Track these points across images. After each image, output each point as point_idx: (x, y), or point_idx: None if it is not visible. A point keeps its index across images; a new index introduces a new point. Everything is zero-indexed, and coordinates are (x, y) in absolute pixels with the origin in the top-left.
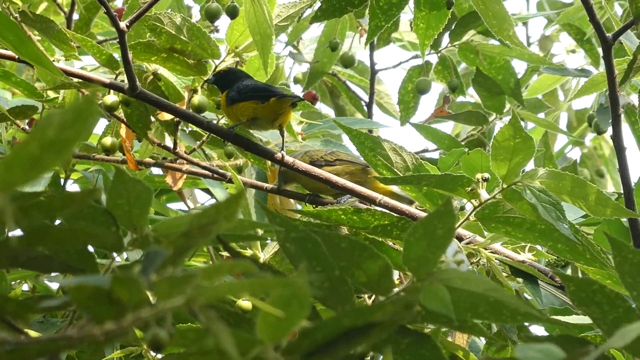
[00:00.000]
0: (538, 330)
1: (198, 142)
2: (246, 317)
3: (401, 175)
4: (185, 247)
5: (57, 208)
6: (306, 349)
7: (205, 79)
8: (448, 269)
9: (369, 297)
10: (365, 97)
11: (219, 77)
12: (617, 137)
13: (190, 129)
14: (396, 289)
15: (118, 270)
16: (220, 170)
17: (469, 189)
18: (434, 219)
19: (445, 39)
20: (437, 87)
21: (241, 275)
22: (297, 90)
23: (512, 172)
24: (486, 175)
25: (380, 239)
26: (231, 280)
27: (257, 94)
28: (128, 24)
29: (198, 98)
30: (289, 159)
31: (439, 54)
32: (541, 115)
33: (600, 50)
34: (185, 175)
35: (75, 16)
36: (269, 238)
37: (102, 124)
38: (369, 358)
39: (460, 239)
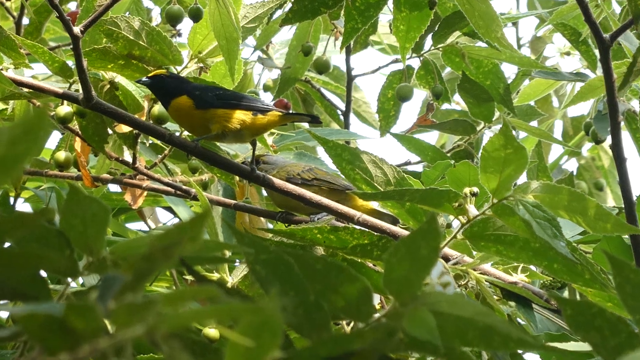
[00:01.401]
0: (533, 358)
1: (159, 156)
2: (213, 347)
3: (382, 190)
4: (145, 271)
5: (7, 230)
6: None
7: (138, 79)
8: (433, 292)
9: (347, 324)
10: (342, 106)
11: (157, 80)
12: (616, 147)
13: (150, 141)
14: (377, 315)
15: (73, 297)
16: (184, 187)
17: (456, 204)
18: (418, 238)
19: (428, 41)
20: (420, 94)
21: (207, 301)
22: (268, 98)
23: (503, 185)
24: (475, 189)
25: (359, 260)
26: (196, 306)
27: (250, 104)
28: (82, 29)
29: (158, 108)
30: (259, 174)
31: (421, 58)
32: (534, 123)
33: (597, 52)
34: (145, 193)
35: (25, 20)
36: (237, 260)
37: (55, 137)
38: None
39: (446, 259)
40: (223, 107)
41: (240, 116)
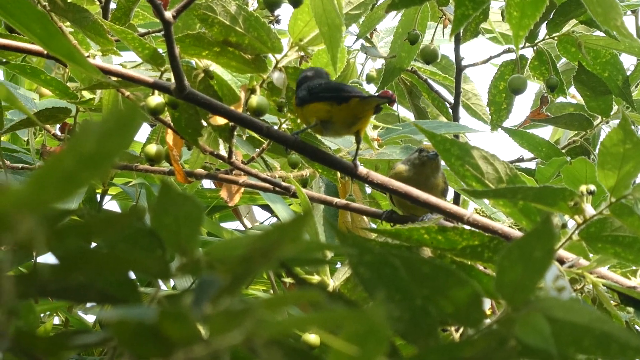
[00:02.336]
0: None
1: (257, 150)
2: (313, 355)
3: (493, 187)
4: (243, 274)
5: (95, 231)
6: None
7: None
8: (548, 297)
9: (456, 330)
10: (450, 98)
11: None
12: None
13: (248, 134)
14: (488, 321)
15: (165, 301)
16: (283, 183)
17: (572, 203)
18: (532, 239)
19: (543, 30)
20: (534, 86)
21: (308, 306)
22: (371, 89)
23: (622, 183)
24: (592, 187)
25: (469, 262)
26: (296, 311)
27: (333, 94)
28: (174, 14)
29: (256, 99)
30: (362, 170)
31: (535, 48)
32: None
33: None
34: (242, 189)
35: (113, 5)
36: (339, 262)
37: (145, 129)
38: None
39: (561, 261)
40: (312, 101)
41: (326, 107)
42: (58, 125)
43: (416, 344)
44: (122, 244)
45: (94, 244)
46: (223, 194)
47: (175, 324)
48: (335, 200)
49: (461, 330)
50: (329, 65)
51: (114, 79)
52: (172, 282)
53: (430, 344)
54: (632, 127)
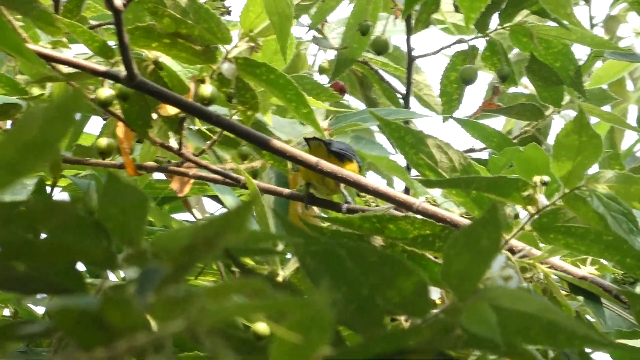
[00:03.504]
0: (603, 357)
1: (208, 142)
2: (260, 345)
3: (447, 176)
4: (188, 263)
5: (39, 219)
6: None
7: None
8: (494, 286)
9: (406, 321)
10: (402, 89)
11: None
12: None
13: (198, 128)
14: (435, 310)
15: (111, 291)
16: (233, 174)
17: (526, 193)
18: (478, 228)
19: (495, 20)
20: (485, 77)
21: (254, 295)
22: (324, 80)
23: (576, 174)
24: (546, 178)
25: (420, 252)
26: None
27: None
28: (125, 2)
29: (206, 89)
30: (311, 158)
31: (487, 38)
32: (606, 108)
33: None
34: (192, 181)
35: None
36: (290, 252)
37: (98, 123)
38: None
39: (513, 251)
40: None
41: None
42: (10, 122)
43: (362, 333)
44: (69, 234)
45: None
46: (173, 185)
47: (118, 311)
48: (285, 190)
49: (410, 320)
50: (277, 53)
51: (64, 71)
52: (122, 274)
53: (376, 333)
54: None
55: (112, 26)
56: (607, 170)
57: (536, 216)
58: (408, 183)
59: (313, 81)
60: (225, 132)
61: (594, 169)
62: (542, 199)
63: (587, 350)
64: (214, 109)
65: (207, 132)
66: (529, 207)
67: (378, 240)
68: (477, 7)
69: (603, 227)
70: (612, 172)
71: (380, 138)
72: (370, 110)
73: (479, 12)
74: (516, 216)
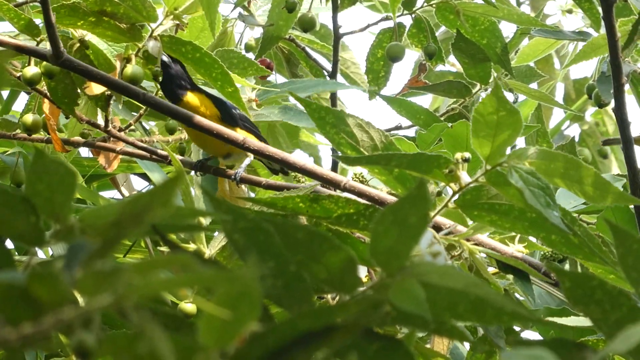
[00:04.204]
0: (532, 334)
1: (135, 115)
2: (188, 322)
3: (368, 154)
4: (114, 238)
5: None
6: (257, 355)
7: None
8: (422, 263)
9: (333, 299)
10: (328, 66)
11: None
12: (620, 110)
13: (125, 100)
14: (363, 287)
15: (38, 267)
16: (160, 151)
17: (447, 170)
18: (405, 205)
19: None
20: (412, 54)
21: (181, 270)
22: (250, 57)
23: (497, 151)
24: (467, 154)
25: (344, 231)
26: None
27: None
28: None
29: (132, 68)
30: (237, 135)
31: (413, 15)
32: (533, 85)
33: (600, 9)
34: (120, 156)
35: None
36: (216, 230)
37: (23, 99)
38: None
39: (439, 228)
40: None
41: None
42: None
43: (290, 310)
44: None
45: None
46: (101, 160)
47: (44, 286)
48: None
49: (337, 297)
50: (204, 31)
51: None
52: (50, 252)
53: (304, 309)
54: (511, 95)
55: (37, 4)
56: (530, 147)
57: (459, 193)
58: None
59: (240, 55)
60: None
61: (521, 145)
62: (465, 176)
63: (516, 328)
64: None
65: (135, 102)
66: (452, 185)
67: (302, 220)
68: None
69: (524, 204)
70: (534, 148)
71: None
72: (290, 91)
73: None
74: (439, 193)
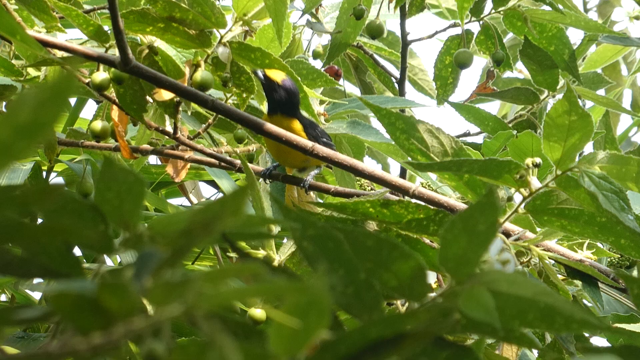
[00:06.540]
0: (600, 341)
1: (203, 125)
2: (258, 329)
3: (438, 160)
4: (184, 247)
5: (35, 202)
6: None
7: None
8: (492, 270)
9: (402, 305)
10: (396, 73)
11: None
12: None
13: (193, 110)
14: (432, 294)
15: (108, 276)
16: (228, 158)
17: (518, 176)
18: (475, 212)
19: (489, 4)
20: (480, 61)
21: (251, 279)
22: (318, 65)
23: (568, 155)
24: (537, 160)
25: (414, 236)
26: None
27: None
28: None
29: (201, 74)
30: (306, 142)
31: (481, 22)
32: (601, 92)
33: None
34: (188, 165)
35: None
36: (285, 237)
37: (92, 107)
38: None
39: (507, 235)
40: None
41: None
42: (4, 103)
43: (360, 317)
44: (65, 218)
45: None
46: (169, 169)
47: (114, 296)
48: (282, 174)
49: (407, 304)
50: (274, 41)
51: (59, 55)
52: (119, 259)
53: (374, 317)
54: (579, 101)
55: (106, 10)
56: (600, 151)
57: (529, 198)
58: (405, 165)
59: (309, 66)
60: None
61: (588, 151)
62: (535, 181)
63: (585, 333)
64: (210, 92)
65: (204, 113)
66: (522, 190)
67: (372, 225)
68: None
69: (595, 208)
70: (604, 152)
71: (376, 123)
72: (361, 98)
73: (473, 2)
74: (509, 199)
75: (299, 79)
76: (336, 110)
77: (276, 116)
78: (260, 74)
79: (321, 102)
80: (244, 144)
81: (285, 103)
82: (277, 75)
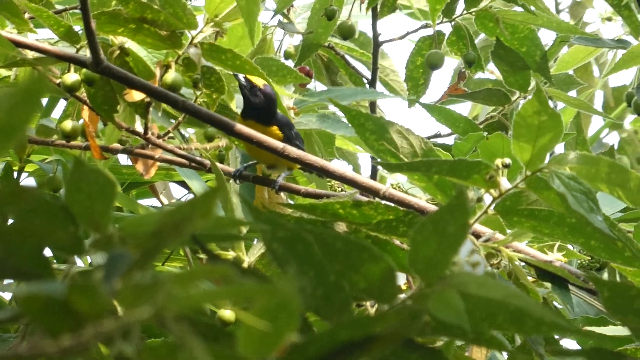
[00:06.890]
0: (570, 343)
1: (173, 122)
2: (226, 331)
3: (408, 161)
4: (154, 248)
5: (6, 203)
6: None
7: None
8: (462, 272)
9: (372, 307)
10: (368, 74)
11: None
12: None
13: (163, 108)
14: (402, 296)
15: (78, 277)
16: (198, 158)
17: (488, 176)
18: (445, 214)
19: (460, 5)
20: (451, 62)
21: (221, 281)
22: (289, 65)
23: (537, 156)
24: (507, 160)
25: (384, 237)
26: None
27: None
28: None
29: (171, 75)
30: (277, 144)
31: (452, 23)
32: (572, 93)
33: None
34: (158, 163)
35: None
36: (255, 238)
37: (61, 106)
38: None
39: (477, 236)
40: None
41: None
42: None
43: (330, 319)
44: (36, 219)
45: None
46: (139, 166)
47: (85, 298)
48: (252, 175)
49: (376, 306)
50: (243, 39)
51: (30, 54)
52: (89, 260)
53: (344, 319)
54: (550, 102)
55: (77, 11)
56: (570, 152)
57: (499, 199)
58: (375, 163)
59: (279, 63)
60: None
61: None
62: (505, 182)
63: (555, 336)
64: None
65: (173, 112)
66: (492, 191)
67: (342, 227)
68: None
69: (565, 209)
70: (574, 153)
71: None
72: (330, 98)
73: (445, 3)
74: (479, 200)
75: (271, 81)
76: (305, 104)
77: (251, 121)
78: (240, 77)
79: (290, 97)
80: (214, 141)
81: (262, 108)
82: (259, 81)
